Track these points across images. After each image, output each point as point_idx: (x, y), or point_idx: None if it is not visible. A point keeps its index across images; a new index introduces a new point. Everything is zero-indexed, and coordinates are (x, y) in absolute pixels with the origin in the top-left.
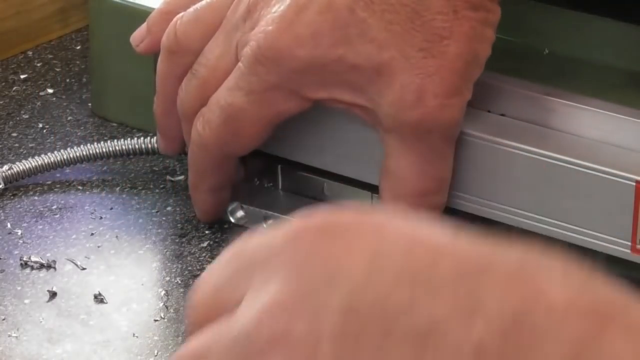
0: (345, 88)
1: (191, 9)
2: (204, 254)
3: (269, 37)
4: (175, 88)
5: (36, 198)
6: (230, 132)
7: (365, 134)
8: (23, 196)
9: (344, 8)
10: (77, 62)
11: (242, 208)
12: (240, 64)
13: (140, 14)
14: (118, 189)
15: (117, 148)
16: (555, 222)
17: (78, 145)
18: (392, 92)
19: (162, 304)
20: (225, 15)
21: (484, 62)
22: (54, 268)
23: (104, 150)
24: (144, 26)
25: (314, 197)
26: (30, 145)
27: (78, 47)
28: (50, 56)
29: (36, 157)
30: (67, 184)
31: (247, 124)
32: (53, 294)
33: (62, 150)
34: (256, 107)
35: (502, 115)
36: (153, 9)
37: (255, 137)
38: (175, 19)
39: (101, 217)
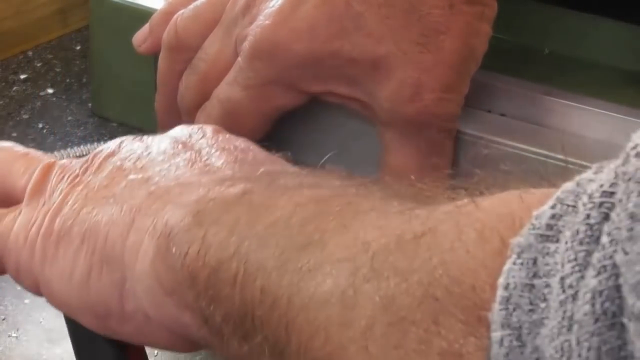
0: (342, 82)
1: (191, 6)
2: None
3: (265, 32)
4: (176, 84)
5: None
6: (229, 127)
7: (364, 131)
8: None
9: (341, 1)
10: (77, 62)
11: None
12: (239, 58)
13: (141, 14)
14: None
15: None
16: None
17: (78, 145)
18: (389, 86)
19: None
20: (224, 12)
21: (481, 56)
22: None
23: None
24: (146, 27)
25: None
26: (30, 145)
27: (78, 47)
28: (50, 56)
29: None
30: None
31: (245, 118)
32: None
33: (62, 150)
34: (254, 102)
35: (502, 115)
36: (153, 8)
37: (254, 131)
38: (175, 16)
39: None
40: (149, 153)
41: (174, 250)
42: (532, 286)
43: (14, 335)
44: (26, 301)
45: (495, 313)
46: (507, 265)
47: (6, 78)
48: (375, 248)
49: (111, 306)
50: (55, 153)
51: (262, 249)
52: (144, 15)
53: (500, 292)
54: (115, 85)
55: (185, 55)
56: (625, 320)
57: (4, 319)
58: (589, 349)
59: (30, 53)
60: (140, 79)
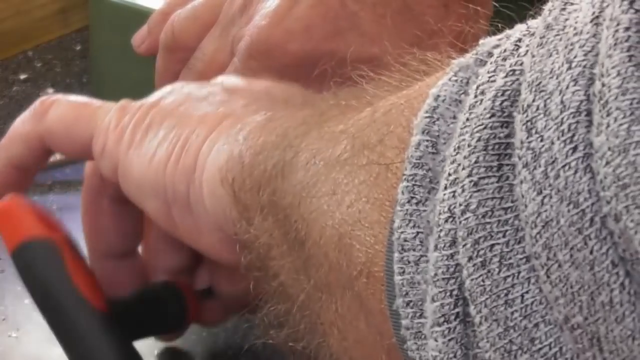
0: (338, 81)
1: (188, 6)
2: None
3: (261, 32)
4: None
5: (36, 198)
6: None
7: None
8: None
9: (336, 1)
10: (77, 62)
11: None
12: (235, 58)
13: (140, 14)
14: None
15: None
16: None
17: None
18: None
19: None
20: (221, 12)
21: None
22: None
23: None
24: (145, 27)
25: None
26: None
27: (78, 47)
28: (50, 56)
29: None
30: (67, 184)
31: None
32: None
33: None
34: None
35: None
36: (153, 9)
37: None
38: (172, 16)
39: None
40: (245, 85)
41: (239, 137)
42: (459, 101)
43: (14, 335)
44: (26, 301)
45: (420, 119)
46: (443, 79)
47: (6, 78)
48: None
49: (179, 192)
50: (55, 153)
51: (300, 138)
52: (143, 15)
53: (429, 101)
54: (115, 85)
55: (182, 55)
56: (515, 113)
57: (4, 319)
58: (478, 139)
59: (30, 53)
60: (140, 79)
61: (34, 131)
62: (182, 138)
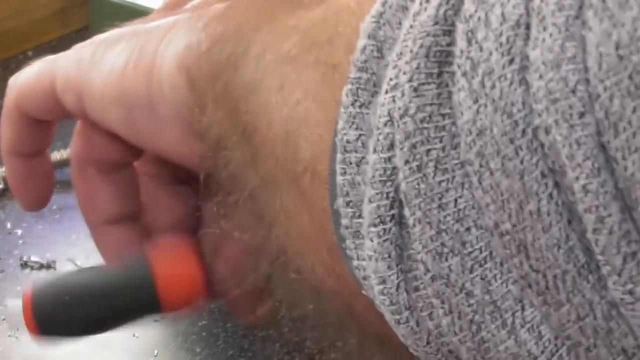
0: None
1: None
2: None
3: None
4: None
5: None
6: None
7: None
8: None
9: None
10: None
11: None
12: None
13: (140, 14)
14: None
15: None
16: None
17: None
18: None
19: None
20: None
21: None
22: (54, 268)
23: None
24: None
25: None
26: None
27: None
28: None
29: None
30: (67, 184)
31: None
32: None
33: (62, 150)
34: None
35: None
36: (152, 8)
37: None
38: None
39: None
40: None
41: (199, 24)
42: (406, 8)
43: (14, 335)
44: None
45: (366, 24)
46: None
47: (6, 78)
48: None
49: (139, 92)
50: (55, 153)
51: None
52: (143, 15)
53: (376, 6)
54: None
55: None
56: (457, 22)
57: (4, 319)
58: (421, 46)
59: (30, 53)
60: None
61: (10, 104)
62: (139, 44)
